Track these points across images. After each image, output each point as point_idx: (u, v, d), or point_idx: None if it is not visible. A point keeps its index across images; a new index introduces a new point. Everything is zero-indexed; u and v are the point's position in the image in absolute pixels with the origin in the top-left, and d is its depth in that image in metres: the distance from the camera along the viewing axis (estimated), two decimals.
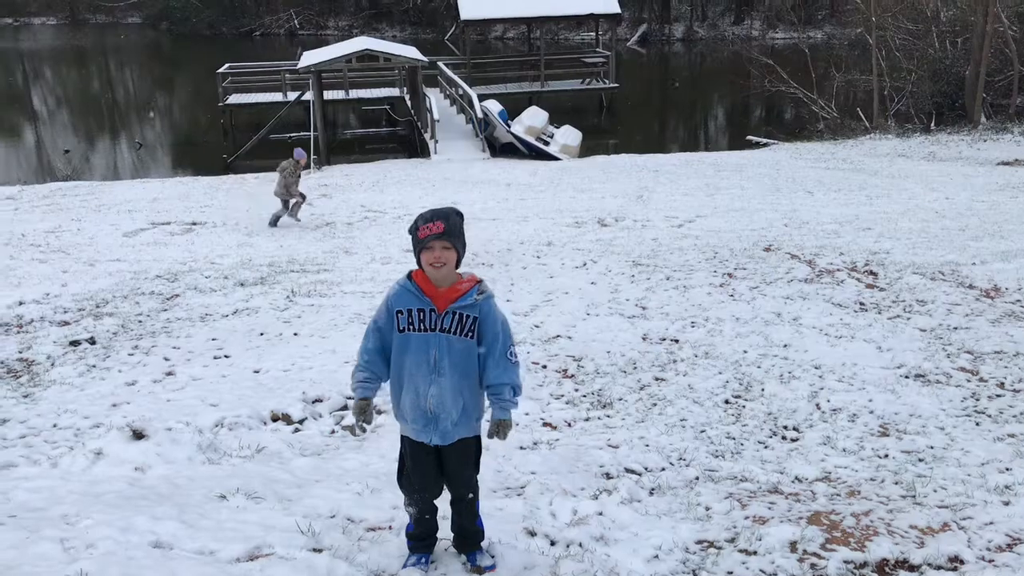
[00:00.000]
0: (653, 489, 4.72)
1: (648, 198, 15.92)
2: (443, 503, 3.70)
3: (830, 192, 16.13)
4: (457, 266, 3.41)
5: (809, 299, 8.85)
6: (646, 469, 5.06)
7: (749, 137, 26.97)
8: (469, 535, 3.74)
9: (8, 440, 5.18)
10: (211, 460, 4.85)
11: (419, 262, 3.39)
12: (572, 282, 9.66)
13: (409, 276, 3.44)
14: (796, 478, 5.00)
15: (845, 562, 3.85)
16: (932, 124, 25.68)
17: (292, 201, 14.26)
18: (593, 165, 21.49)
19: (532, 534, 4.00)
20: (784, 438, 5.68)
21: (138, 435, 5.06)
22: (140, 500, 4.04)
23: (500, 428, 3.56)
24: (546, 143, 23.99)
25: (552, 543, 3.94)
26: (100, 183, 20.90)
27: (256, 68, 32.74)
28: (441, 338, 3.37)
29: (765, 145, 25.51)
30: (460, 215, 3.41)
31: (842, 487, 4.83)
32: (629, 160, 21.82)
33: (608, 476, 4.91)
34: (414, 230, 3.36)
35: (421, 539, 3.71)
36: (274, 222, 14.23)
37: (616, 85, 32.72)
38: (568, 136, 23.78)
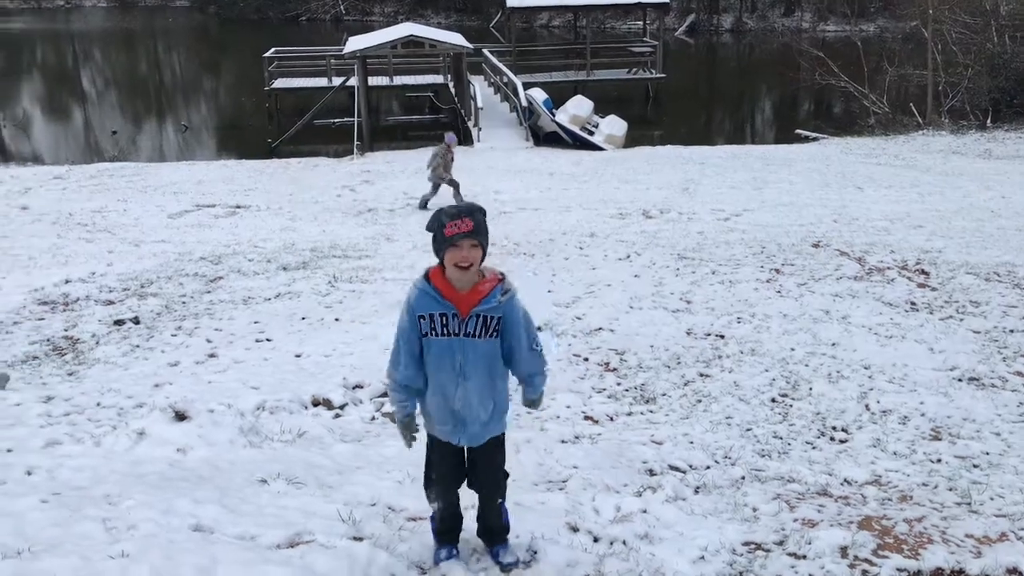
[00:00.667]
0: (698, 487, 4.62)
1: (694, 191, 15.73)
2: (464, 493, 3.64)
3: (881, 188, 15.81)
4: (480, 264, 3.26)
5: (858, 297, 8.67)
6: (691, 467, 4.95)
7: (798, 131, 26.53)
8: (495, 530, 3.67)
9: (53, 417, 5.20)
10: (252, 444, 4.83)
11: (441, 260, 3.22)
12: (615, 274, 9.56)
13: (426, 277, 3.26)
14: (845, 480, 4.86)
15: (898, 570, 3.72)
16: (988, 121, 25.06)
17: (442, 183, 14.49)
18: (638, 156, 21.29)
19: (575, 530, 3.91)
20: (832, 439, 5.55)
21: (180, 416, 5.06)
22: (181, 482, 4.03)
23: (534, 403, 3.56)
24: (591, 133, 23.78)
25: (595, 540, 3.85)
26: (146, 164, 21.15)
27: (302, 53, 32.94)
28: (465, 343, 3.24)
29: (814, 139, 25.08)
30: (484, 212, 3.25)
31: (893, 491, 4.69)
32: (674, 152, 21.59)
33: (652, 473, 4.81)
34: (438, 227, 3.16)
35: (448, 532, 3.64)
36: (423, 205, 14.55)
37: (663, 75, 32.36)
38: (613, 126, 23.55)
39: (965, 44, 27.27)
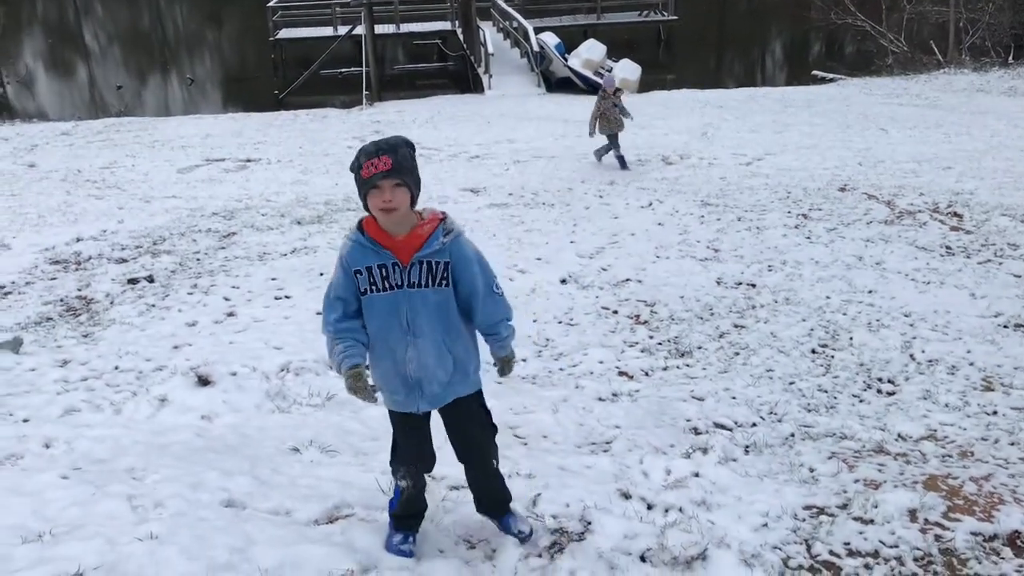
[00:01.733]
0: (748, 447, 4.39)
1: (713, 135, 15.32)
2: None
3: (905, 129, 15.39)
4: (413, 206, 2.89)
5: (891, 242, 8.40)
6: (736, 424, 4.73)
7: (815, 72, 25.92)
8: (497, 497, 3.34)
9: (70, 383, 4.99)
10: (280, 408, 4.61)
11: (366, 207, 2.87)
12: (638, 223, 9.30)
13: (360, 227, 2.92)
14: (899, 436, 4.63)
15: (972, 533, 3.50)
16: (1010, 58, 24.42)
17: (615, 133, 12.49)
18: (653, 100, 20.78)
19: (627, 496, 3.69)
20: (880, 391, 5.31)
21: (203, 381, 4.84)
22: (208, 452, 3.81)
23: (505, 365, 3.18)
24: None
25: (649, 507, 3.63)
26: (153, 119, 20.80)
27: (306, 2, 32.19)
28: (412, 295, 2.89)
29: (831, 80, 24.50)
30: (411, 145, 2.86)
31: (952, 447, 4.46)
32: (690, 95, 21.08)
33: (697, 431, 4.58)
34: (356, 168, 2.82)
35: (408, 517, 3.26)
36: (598, 156, 12.83)
37: (675, 17, 31.63)
38: (627, 70, 22.98)
39: None
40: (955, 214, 9.39)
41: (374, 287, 2.89)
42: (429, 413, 3.12)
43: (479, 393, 3.17)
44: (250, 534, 3.01)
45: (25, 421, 4.29)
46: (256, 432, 4.17)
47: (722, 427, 4.67)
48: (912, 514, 3.64)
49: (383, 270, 2.88)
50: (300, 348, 5.57)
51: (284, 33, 29.89)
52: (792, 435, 4.59)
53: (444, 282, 2.91)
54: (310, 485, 3.52)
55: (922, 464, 4.21)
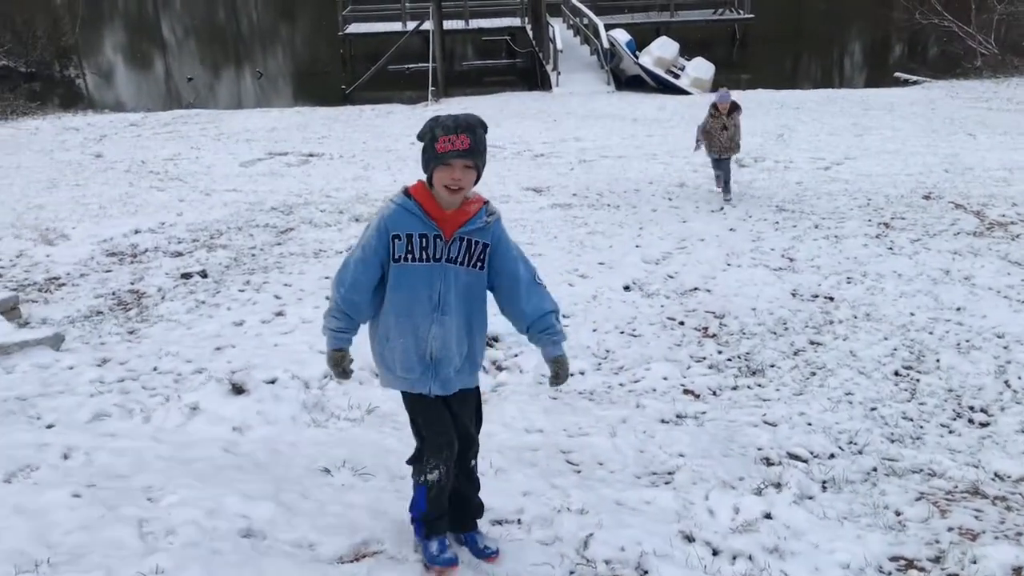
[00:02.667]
0: (825, 482, 3.97)
1: (789, 137, 14.72)
2: None
3: (995, 135, 14.57)
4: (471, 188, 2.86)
5: (981, 255, 7.85)
6: (812, 455, 4.31)
7: (897, 74, 24.94)
8: (471, 508, 3.14)
9: (105, 384, 4.78)
10: (316, 422, 4.32)
11: (429, 178, 2.82)
12: (708, 228, 8.89)
13: (407, 193, 2.85)
14: (997, 475, 4.17)
15: None
16: None
17: (720, 156, 10.29)
18: None
19: (689, 539, 3.30)
20: (971, 422, 4.86)
21: (238, 389, 4.58)
22: (234, 471, 3.52)
23: (561, 367, 2.98)
24: (676, 76, 22.67)
25: (715, 552, 3.24)
26: (220, 111, 20.90)
27: None
28: (448, 270, 2.83)
29: (915, 82, 23.53)
30: (485, 127, 2.81)
31: None
32: (766, 96, 20.36)
33: (769, 462, 4.18)
34: (429, 139, 2.76)
35: (440, 518, 3.02)
36: (726, 191, 10.33)
37: (751, 16, 30.78)
38: (700, 69, 22.34)
39: None
40: None
41: (411, 256, 2.81)
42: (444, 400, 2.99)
43: (478, 389, 3.11)
44: (265, 572, 2.71)
45: (49, 427, 4.08)
46: (288, 448, 3.88)
47: (797, 458, 4.26)
48: (1017, 573, 3.19)
49: (424, 240, 2.81)
50: None
51: (353, 28, 29.86)
52: (874, 470, 4.16)
53: (479, 264, 2.87)
54: (338, 513, 3.21)
55: None
